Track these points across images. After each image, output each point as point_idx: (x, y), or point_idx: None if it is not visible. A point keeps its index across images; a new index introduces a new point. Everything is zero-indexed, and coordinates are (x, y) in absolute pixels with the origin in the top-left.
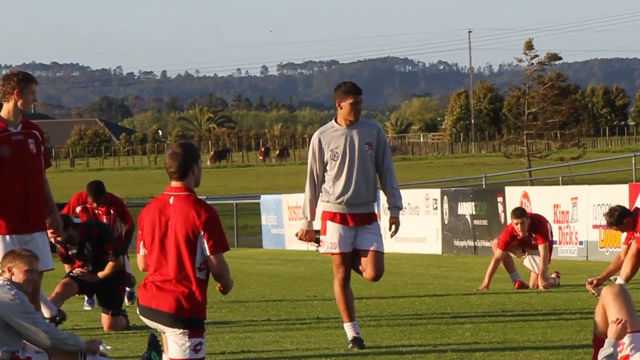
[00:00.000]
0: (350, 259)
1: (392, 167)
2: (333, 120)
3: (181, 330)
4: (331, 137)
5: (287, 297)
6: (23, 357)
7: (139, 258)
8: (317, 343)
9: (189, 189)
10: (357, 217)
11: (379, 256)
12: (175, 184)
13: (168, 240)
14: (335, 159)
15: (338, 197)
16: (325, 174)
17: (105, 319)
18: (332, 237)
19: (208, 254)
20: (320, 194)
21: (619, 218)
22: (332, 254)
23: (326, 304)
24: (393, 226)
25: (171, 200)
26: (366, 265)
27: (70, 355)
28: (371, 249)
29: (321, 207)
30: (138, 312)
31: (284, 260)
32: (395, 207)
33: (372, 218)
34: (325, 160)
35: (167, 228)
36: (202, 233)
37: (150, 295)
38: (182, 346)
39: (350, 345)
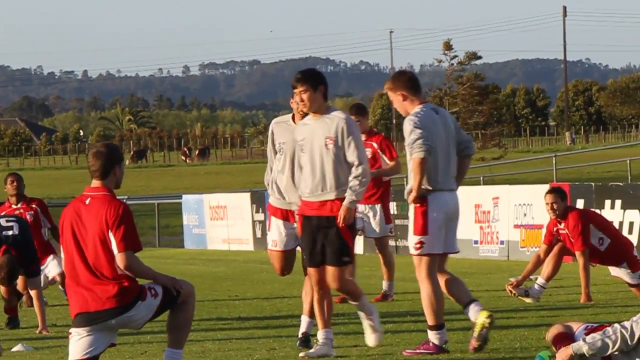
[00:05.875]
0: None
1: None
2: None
3: (134, 308)
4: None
5: (208, 297)
6: None
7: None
8: (239, 343)
9: (107, 189)
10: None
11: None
12: (95, 183)
13: (86, 242)
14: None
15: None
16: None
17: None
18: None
19: (117, 251)
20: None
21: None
22: None
23: (248, 304)
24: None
25: (87, 202)
26: None
27: None
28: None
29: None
30: (76, 324)
31: (206, 260)
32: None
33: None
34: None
35: (84, 230)
36: (110, 231)
37: (86, 302)
38: (149, 307)
39: (298, 342)
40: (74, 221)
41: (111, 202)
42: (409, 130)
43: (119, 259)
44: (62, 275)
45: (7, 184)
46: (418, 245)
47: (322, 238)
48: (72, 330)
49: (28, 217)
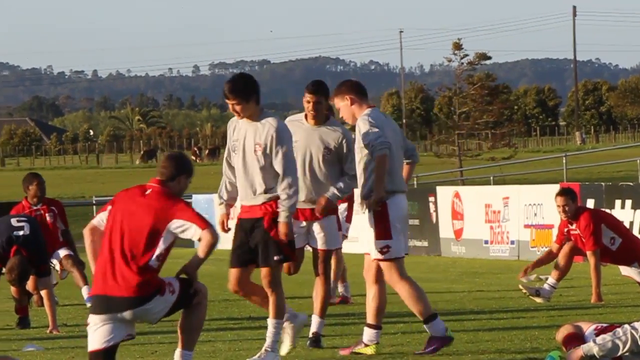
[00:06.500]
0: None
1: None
2: (302, 115)
3: (152, 302)
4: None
5: (219, 296)
6: None
7: (89, 225)
8: (250, 342)
9: (169, 189)
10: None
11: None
12: (158, 179)
13: (131, 228)
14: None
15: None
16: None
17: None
18: None
19: (201, 230)
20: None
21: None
22: None
23: None
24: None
25: (147, 192)
26: None
27: None
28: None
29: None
30: (93, 310)
31: (215, 260)
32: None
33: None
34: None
35: (132, 216)
36: (179, 219)
37: (107, 285)
38: (166, 302)
39: (308, 342)
40: (126, 204)
41: (171, 196)
42: (366, 130)
43: (208, 235)
44: (67, 257)
45: (31, 185)
46: (385, 250)
47: (253, 239)
48: (89, 319)
49: (48, 218)
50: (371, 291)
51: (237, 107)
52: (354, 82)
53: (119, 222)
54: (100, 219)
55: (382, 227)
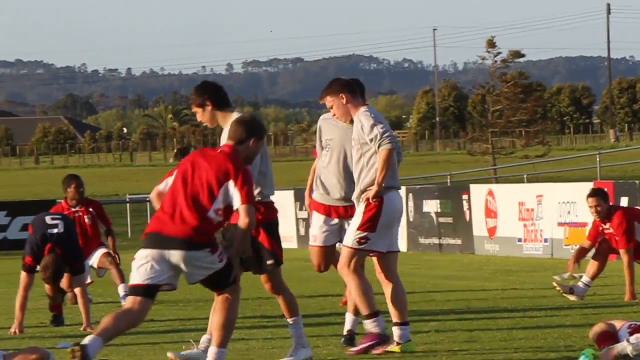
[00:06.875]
0: (325, 253)
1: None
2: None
3: (201, 252)
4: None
5: (252, 294)
6: None
7: (154, 191)
8: (283, 341)
9: (239, 152)
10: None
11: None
12: (229, 143)
13: (196, 178)
14: None
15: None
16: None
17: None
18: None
19: (240, 203)
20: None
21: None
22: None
23: None
24: None
25: (218, 151)
26: None
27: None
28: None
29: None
30: (143, 244)
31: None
32: None
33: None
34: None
35: (201, 167)
36: (234, 183)
37: (163, 223)
38: (211, 264)
39: (342, 340)
40: (195, 158)
41: (236, 160)
42: (370, 125)
43: (247, 210)
44: (106, 255)
45: (69, 188)
46: (363, 241)
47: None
48: (136, 255)
49: (86, 220)
50: (388, 290)
51: (198, 115)
52: (347, 81)
53: (187, 172)
54: (166, 183)
55: (370, 220)
